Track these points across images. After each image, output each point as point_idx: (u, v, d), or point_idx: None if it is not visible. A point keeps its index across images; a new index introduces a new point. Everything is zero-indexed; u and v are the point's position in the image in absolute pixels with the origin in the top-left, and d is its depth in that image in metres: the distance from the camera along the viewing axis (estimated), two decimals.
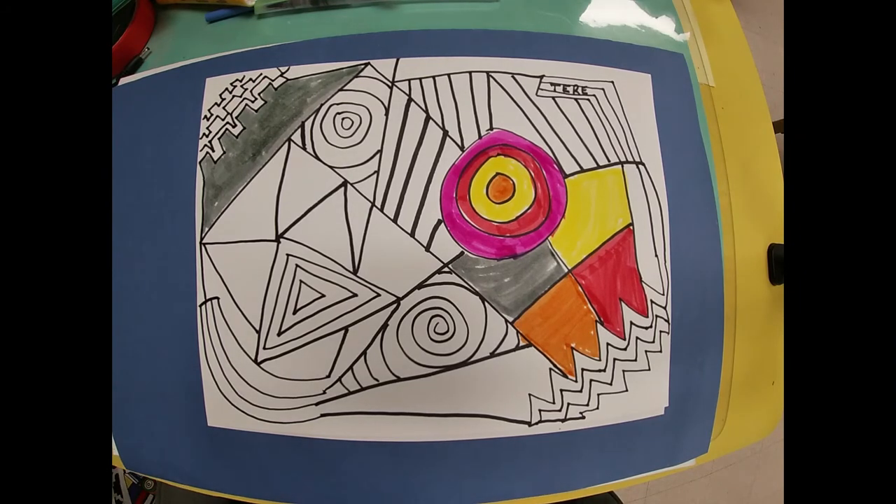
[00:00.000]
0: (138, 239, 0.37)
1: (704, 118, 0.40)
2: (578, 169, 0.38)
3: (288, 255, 0.36)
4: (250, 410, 0.36)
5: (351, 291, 0.35)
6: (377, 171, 0.36)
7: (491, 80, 0.38)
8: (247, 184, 0.37)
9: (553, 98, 0.39)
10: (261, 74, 0.39)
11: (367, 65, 0.38)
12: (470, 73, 0.38)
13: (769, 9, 1.16)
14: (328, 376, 0.35)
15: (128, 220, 0.38)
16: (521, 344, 0.35)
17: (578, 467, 0.37)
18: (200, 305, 0.36)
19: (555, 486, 0.37)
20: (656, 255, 0.37)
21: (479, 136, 0.37)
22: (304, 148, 0.37)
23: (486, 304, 0.35)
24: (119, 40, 0.36)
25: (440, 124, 0.37)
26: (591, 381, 0.36)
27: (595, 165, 0.38)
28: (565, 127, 0.38)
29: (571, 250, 0.36)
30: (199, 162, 0.37)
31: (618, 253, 0.37)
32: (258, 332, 0.36)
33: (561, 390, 0.36)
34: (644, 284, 0.37)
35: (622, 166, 0.38)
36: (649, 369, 0.37)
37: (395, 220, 0.36)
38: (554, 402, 0.36)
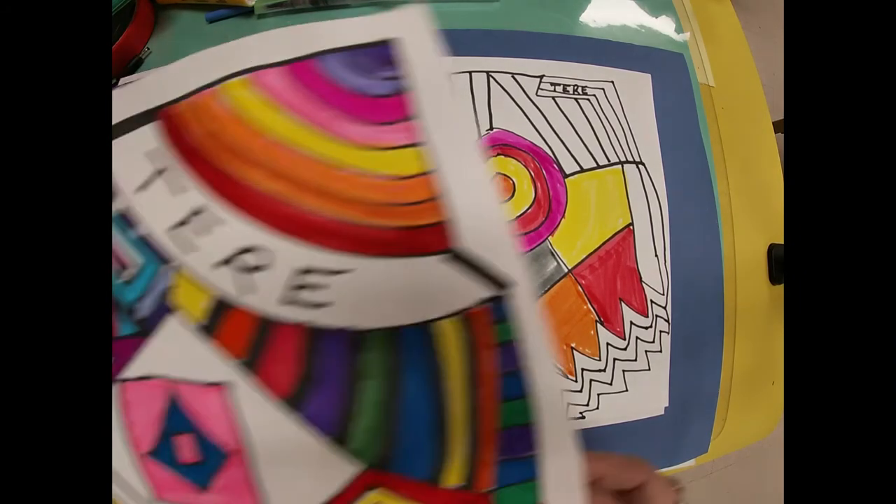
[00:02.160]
0: None
1: (704, 118, 0.40)
2: (578, 169, 0.38)
3: None
4: None
5: None
6: None
7: (491, 80, 0.38)
8: None
9: (553, 98, 0.39)
10: None
11: None
12: (470, 73, 0.38)
13: (769, 9, 1.16)
14: None
15: None
16: None
17: None
18: None
19: None
20: (656, 255, 0.37)
21: (479, 136, 0.37)
22: None
23: None
24: (119, 40, 0.36)
25: None
26: (590, 381, 0.36)
27: (595, 165, 0.38)
28: (565, 127, 0.38)
29: (571, 250, 0.36)
30: None
31: (618, 253, 0.37)
32: None
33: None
34: (644, 284, 0.37)
35: (622, 166, 0.38)
36: (649, 369, 0.37)
37: None
38: None
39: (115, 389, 0.20)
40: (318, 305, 0.19)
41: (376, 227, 0.19)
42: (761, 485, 1.11)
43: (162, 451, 0.20)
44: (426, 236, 0.19)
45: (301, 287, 0.19)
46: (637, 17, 0.41)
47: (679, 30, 0.42)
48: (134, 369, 0.20)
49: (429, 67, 0.20)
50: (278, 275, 0.19)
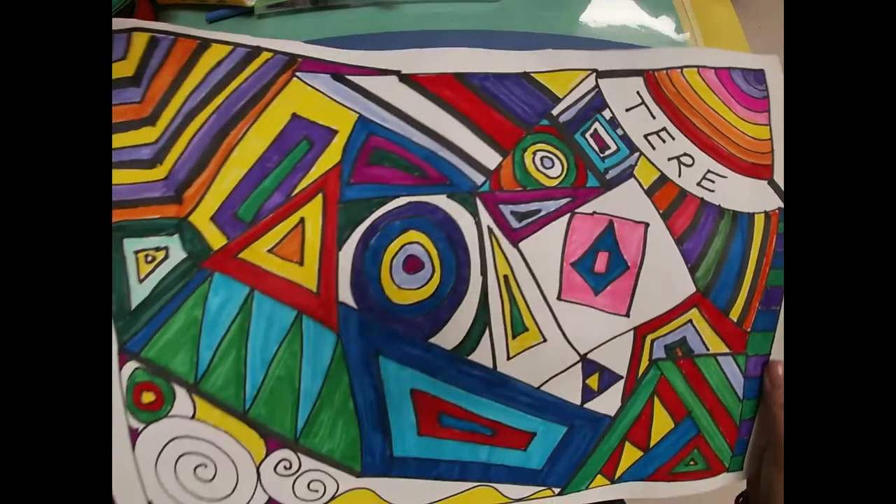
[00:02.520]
0: None
1: None
2: None
3: None
4: None
5: None
6: None
7: None
8: None
9: None
10: None
11: None
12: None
13: (769, 9, 1.16)
14: None
15: None
16: None
17: None
18: None
19: None
20: None
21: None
22: None
23: None
24: None
25: None
26: None
27: None
28: None
29: None
30: None
31: None
32: None
33: None
34: None
35: None
36: None
37: None
38: None
39: (566, 219, 0.32)
40: (710, 190, 0.34)
41: (742, 159, 0.35)
42: None
43: (583, 262, 0.32)
44: (763, 170, 0.35)
45: (705, 178, 0.34)
46: (637, 17, 0.41)
47: (679, 30, 0.42)
48: (587, 207, 0.32)
49: (777, 90, 0.36)
50: (698, 170, 0.34)
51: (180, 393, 0.27)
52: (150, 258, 0.27)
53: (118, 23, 0.29)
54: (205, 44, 0.30)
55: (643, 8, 0.42)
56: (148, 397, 0.27)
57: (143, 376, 0.27)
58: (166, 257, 0.27)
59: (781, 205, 0.35)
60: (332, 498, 0.30)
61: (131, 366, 0.27)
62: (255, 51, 0.31)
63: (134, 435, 0.27)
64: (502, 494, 0.32)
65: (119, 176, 0.28)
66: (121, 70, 0.29)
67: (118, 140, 0.28)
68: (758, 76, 0.37)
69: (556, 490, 0.33)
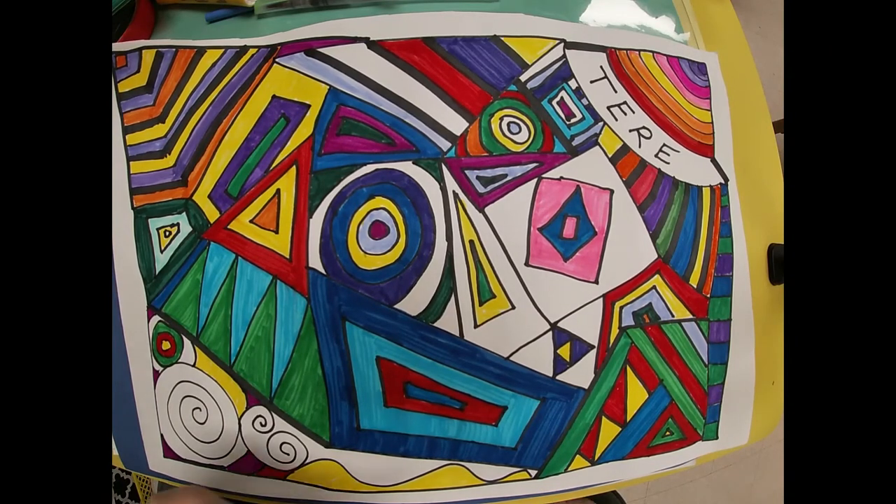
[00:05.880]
0: None
1: None
2: None
3: None
4: None
5: None
6: None
7: None
8: None
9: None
10: None
11: None
12: None
13: (769, 9, 1.16)
14: None
15: None
16: None
17: None
18: None
19: None
20: None
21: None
22: None
23: None
24: (119, 40, 0.36)
25: None
26: None
27: None
28: None
29: None
30: None
31: None
32: None
33: None
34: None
35: None
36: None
37: None
38: None
39: (533, 184, 0.33)
40: (665, 162, 0.36)
41: (690, 137, 0.37)
42: (761, 485, 1.11)
43: (551, 227, 0.33)
44: (706, 148, 0.38)
45: (661, 151, 0.36)
46: (637, 18, 0.41)
47: (679, 30, 0.42)
48: (554, 173, 0.33)
49: (717, 81, 0.40)
50: (655, 143, 0.36)
51: (187, 343, 0.32)
52: (167, 233, 0.32)
53: (128, 45, 0.34)
54: (201, 51, 0.34)
55: (643, 8, 0.41)
56: (166, 345, 0.32)
57: (163, 328, 0.32)
58: (178, 231, 0.32)
59: (723, 180, 0.37)
60: (302, 465, 0.31)
61: (155, 319, 0.32)
62: (243, 49, 0.34)
63: (156, 376, 0.32)
64: (474, 475, 0.32)
65: (138, 166, 0.33)
66: (136, 81, 0.34)
67: (137, 137, 0.33)
68: (701, 67, 0.40)
69: (533, 472, 0.32)
